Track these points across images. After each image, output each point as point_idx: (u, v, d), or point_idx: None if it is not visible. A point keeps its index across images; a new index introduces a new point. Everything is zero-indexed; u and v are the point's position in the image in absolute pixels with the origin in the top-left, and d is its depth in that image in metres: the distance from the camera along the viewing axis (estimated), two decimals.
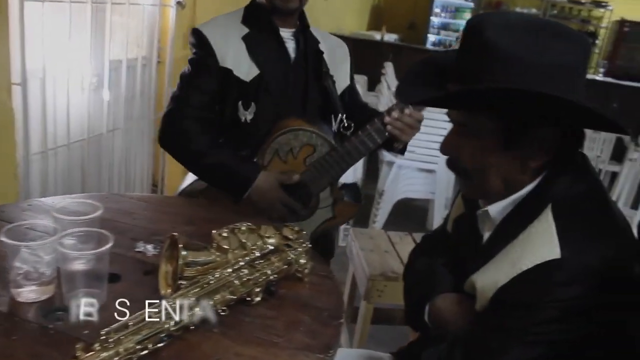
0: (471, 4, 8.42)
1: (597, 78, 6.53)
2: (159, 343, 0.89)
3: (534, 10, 8.17)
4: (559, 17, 8.15)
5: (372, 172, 4.17)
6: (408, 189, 3.53)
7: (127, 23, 3.09)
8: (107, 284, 1.06)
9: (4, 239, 0.98)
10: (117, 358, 0.82)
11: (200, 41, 1.66)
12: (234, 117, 1.68)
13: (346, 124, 1.72)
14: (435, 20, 8.73)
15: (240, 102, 1.66)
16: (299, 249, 1.20)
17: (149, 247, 1.25)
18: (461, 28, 8.63)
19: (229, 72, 1.64)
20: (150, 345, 0.87)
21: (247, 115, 1.67)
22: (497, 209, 1.02)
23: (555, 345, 0.90)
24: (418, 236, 2.44)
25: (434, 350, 1.02)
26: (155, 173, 3.46)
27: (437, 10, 8.69)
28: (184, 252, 1.03)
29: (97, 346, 0.81)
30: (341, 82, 1.80)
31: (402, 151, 1.76)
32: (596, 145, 4.71)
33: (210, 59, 1.64)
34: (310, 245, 1.22)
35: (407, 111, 1.60)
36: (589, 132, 1.03)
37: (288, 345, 0.98)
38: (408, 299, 1.22)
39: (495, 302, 0.95)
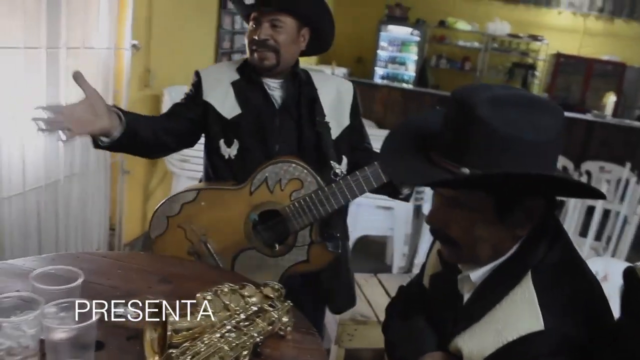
0: (417, 38, 8.66)
1: None
2: None
3: (476, 44, 8.48)
4: (500, 49, 8.47)
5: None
6: (367, 226, 3.58)
7: (82, 67, 3.05)
8: (93, 353, 1.04)
9: None
10: None
11: (195, 79, 1.83)
12: (218, 154, 1.78)
13: (337, 171, 1.74)
14: (382, 54, 8.93)
15: (222, 140, 1.77)
16: (280, 307, 1.21)
17: (128, 310, 1.24)
18: (408, 61, 8.91)
19: (209, 105, 1.78)
20: None
21: (230, 151, 1.76)
22: (478, 274, 1.07)
23: None
24: (383, 277, 2.49)
25: None
26: (113, 217, 3.41)
27: (383, 44, 8.90)
28: (172, 319, 1.03)
29: None
30: (342, 121, 1.84)
31: (407, 198, 1.82)
32: None
33: (197, 93, 1.80)
34: (291, 304, 1.24)
35: None
36: None
37: None
38: (393, 356, 1.24)
39: None
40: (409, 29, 8.68)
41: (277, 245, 1.74)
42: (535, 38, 8.35)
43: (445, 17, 8.60)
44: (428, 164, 1.01)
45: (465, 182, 0.98)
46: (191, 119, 1.79)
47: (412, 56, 8.80)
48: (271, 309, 1.19)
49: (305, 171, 1.70)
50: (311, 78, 1.85)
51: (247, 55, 1.78)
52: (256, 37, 1.71)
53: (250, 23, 1.75)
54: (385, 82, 8.79)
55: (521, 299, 0.98)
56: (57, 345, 1.02)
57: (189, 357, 0.98)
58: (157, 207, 1.79)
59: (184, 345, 1.03)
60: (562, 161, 5.40)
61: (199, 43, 4.50)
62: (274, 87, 1.81)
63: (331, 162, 1.75)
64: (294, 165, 1.70)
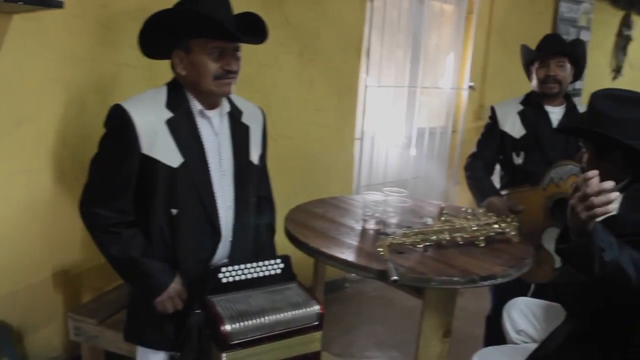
0: None
1: None
2: (427, 243, 1.90)
3: None
4: None
5: None
6: None
7: (431, 101, 4.26)
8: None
9: (366, 196, 2.12)
10: (407, 242, 1.85)
11: (491, 113, 2.80)
12: (510, 162, 2.71)
13: None
14: None
15: (513, 153, 2.68)
16: (511, 225, 2.08)
17: (428, 219, 2.26)
18: None
19: (504, 132, 2.72)
20: (422, 244, 1.88)
21: (518, 160, 2.67)
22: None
23: None
24: None
25: None
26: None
27: None
28: (445, 212, 2.02)
29: (401, 235, 1.85)
30: None
31: None
32: None
33: (494, 124, 2.77)
34: (518, 224, 2.09)
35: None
36: None
37: (494, 261, 1.87)
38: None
39: None
40: None
41: None
42: None
43: None
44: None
45: (578, 131, 1.82)
46: (495, 147, 2.75)
47: None
48: (504, 224, 2.07)
49: (577, 168, 2.45)
50: (576, 105, 2.65)
51: (536, 87, 2.67)
52: (549, 74, 2.60)
53: (537, 65, 2.66)
54: None
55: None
56: (390, 224, 2.11)
57: (448, 224, 1.95)
58: None
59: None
60: None
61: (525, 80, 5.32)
62: (552, 112, 2.67)
63: None
64: (570, 165, 2.47)
